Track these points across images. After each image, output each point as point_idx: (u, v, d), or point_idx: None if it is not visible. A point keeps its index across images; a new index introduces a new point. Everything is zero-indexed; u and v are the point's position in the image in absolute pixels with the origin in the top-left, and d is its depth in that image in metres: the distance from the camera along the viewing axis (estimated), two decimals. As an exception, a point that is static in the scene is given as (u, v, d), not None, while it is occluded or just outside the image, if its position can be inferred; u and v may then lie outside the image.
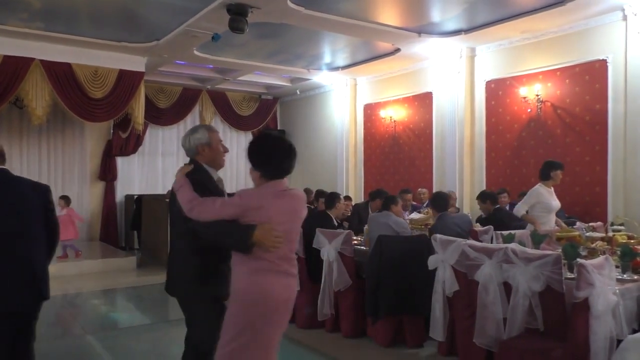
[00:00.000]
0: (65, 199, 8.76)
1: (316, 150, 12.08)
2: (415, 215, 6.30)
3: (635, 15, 6.46)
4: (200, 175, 2.76)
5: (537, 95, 7.60)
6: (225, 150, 2.97)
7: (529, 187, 7.35)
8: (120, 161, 11.43)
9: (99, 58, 8.75)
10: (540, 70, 7.62)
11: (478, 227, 5.77)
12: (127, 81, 8.99)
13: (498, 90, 8.24)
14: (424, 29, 7.77)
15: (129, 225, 10.93)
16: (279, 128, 13.30)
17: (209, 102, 12.28)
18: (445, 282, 4.04)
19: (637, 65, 6.50)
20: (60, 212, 8.45)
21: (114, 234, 11.15)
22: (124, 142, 11.09)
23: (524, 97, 7.77)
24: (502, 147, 8.21)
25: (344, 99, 11.09)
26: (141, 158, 11.80)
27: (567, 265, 3.50)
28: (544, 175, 5.56)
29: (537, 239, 4.26)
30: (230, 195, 2.79)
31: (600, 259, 3.27)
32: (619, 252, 3.71)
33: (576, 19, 7.01)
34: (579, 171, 7.10)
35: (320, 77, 10.82)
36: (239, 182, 12.68)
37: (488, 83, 8.37)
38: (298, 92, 12.42)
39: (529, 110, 7.76)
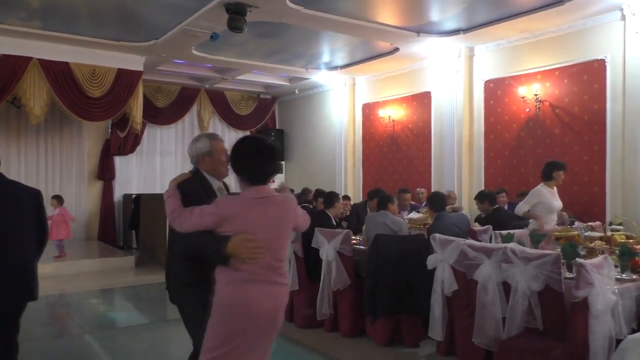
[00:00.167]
0: (58, 199, 8.71)
1: (315, 150, 12.08)
2: (414, 215, 6.30)
3: (634, 15, 6.46)
4: (194, 185, 2.70)
5: (536, 95, 7.60)
6: (227, 160, 2.85)
7: (527, 187, 7.38)
8: (118, 160, 11.41)
9: (97, 57, 8.73)
10: (539, 70, 7.63)
11: (477, 227, 5.78)
12: (125, 80, 8.98)
13: (497, 90, 8.24)
14: (422, 29, 7.77)
15: (127, 224, 10.91)
16: (277, 127, 13.30)
17: (207, 102, 12.27)
18: (444, 282, 4.05)
19: (636, 65, 6.51)
20: (53, 211, 8.43)
21: (112, 233, 11.14)
22: (122, 142, 11.06)
23: (523, 97, 7.78)
24: (500, 146, 8.22)
25: (343, 99, 11.08)
26: (139, 157, 11.78)
27: (566, 264, 3.50)
28: (546, 176, 5.56)
29: (536, 239, 4.26)
30: None
31: (599, 258, 3.27)
32: (617, 252, 3.71)
33: (575, 19, 7.01)
34: (578, 171, 7.11)
35: (318, 77, 10.81)
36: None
37: (487, 83, 8.38)
38: (297, 92, 12.42)
39: (527, 109, 7.77)
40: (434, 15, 7.21)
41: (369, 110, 10.73)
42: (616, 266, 3.49)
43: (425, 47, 8.47)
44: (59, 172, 10.88)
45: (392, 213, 5.20)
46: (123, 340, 5.26)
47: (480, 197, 6.68)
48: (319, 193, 7.38)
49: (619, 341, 2.78)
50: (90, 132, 11.07)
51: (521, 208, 5.52)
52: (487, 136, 8.41)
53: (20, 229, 3.15)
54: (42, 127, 10.22)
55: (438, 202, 5.27)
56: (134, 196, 10.80)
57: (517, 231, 4.83)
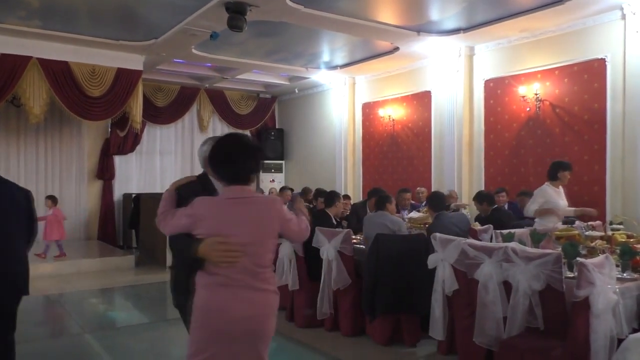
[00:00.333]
0: (53, 199, 8.66)
1: (315, 149, 12.08)
2: (414, 214, 6.29)
3: (634, 14, 6.46)
4: (194, 188, 2.62)
5: (536, 94, 7.60)
6: None
7: (527, 186, 7.40)
8: (118, 160, 11.40)
9: (97, 56, 8.72)
10: (539, 69, 7.62)
11: (477, 226, 5.78)
12: (124, 80, 8.97)
13: (497, 89, 8.24)
14: (422, 28, 7.77)
15: (127, 224, 10.91)
16: (277, 127, 13.30)
17: (207, 101, 12.26)
18: (444, 281, 4.04)
19: (636, 64, 6.50)
20: (46, 212, 8.40)
21: (112, 232, 11.13)
22: (121, 141, 11.05)
23: (523, 96, 7.77)
24: (500, 146, 8.21)
25: (343, 98, 11.08)
26: (139, 157, 11.77)
27: (567, 264, 3.50)
28: (552, 176, 5.57)
29: (537, 238, 4.26)
30: None
31: (600, 257, 3.27)
32: (618, 251, 3.71)
33: (575, 18, 7.01)
34: (578, 170, 7.08)
35: (318, 76, 10.81)
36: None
37: (487, 82, 8.37)
38: (296, 91, 12.41)
39: (527, 109, 7.76)
40: (434, 14, 7.21)
41: (368, 109, 10.73)
42: (617, 265, 3.49)
43: (425, 47, 8.46)
44: (58, 172, 10.87)
45: (391, 213, 5.19)
46: (123, 340, 5.26)
47: (479, 198, 6.65)
48: (319, 192, 7.38)
49: (620, 341, 2.78)
50: (90, 132, 11.06)
51: (530, 208, 5.50)
52: (487, 135, 8.41)
53: (15, 226, 3.27)
54: (41, 127, 10.22)
55: (438, 201, 5.27)
56: (133, 195, 10.80)
57: (517, 230, 4.82)
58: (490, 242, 4.94)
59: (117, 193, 11.43)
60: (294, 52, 9.17)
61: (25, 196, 3.38)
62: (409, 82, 9.74)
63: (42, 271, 8.00)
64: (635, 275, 3.47)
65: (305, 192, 9.22)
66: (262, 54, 9.25)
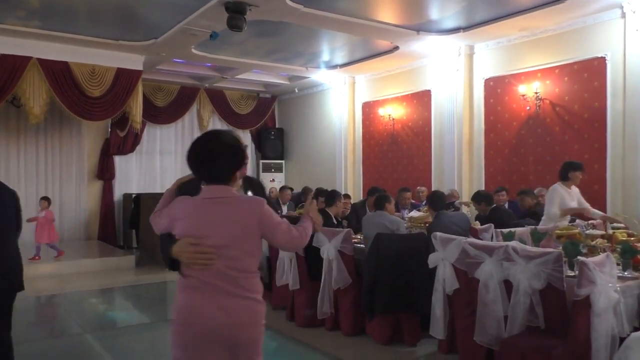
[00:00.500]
0: (48, 200, 8.63)
1: (315, 149, 12.08)
2: (414, 214, 6.28)
3: (634, 12, 6.46)
4: (195, 185, 2.53)
5: (536, 93, 7.60)
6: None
7: (527, 185, 7.40)
8: (118, 160, 11.40)
9: (97, 56, 8.72)
10: (539, 68, 7.62)
11: (477, 225, 5.77)
12: (124, 80, 8.97)
13: (497, 88, 8.24)
14: (422, 27, 7.76)
15: (127, 224, 10.91)
16: (277, 126, 13.30)
17: (206, 101, 12.26)
18: (445, 280, 4.03)
19: (636, 63, 6.50)
20: (39, 213, 8.38)
21: (112, 233, 11.13)
22: (121, 141, 11.06)
23: (523, 95, 7.77)
24: (500, 145, 8.21)
25: (343, 97, 11.07)
26: (139, 157, 11.77)
27: (568, 262, 3.49)
28: (563, 176, 5.57)
29: (537, 237, 4.26)
30: None
31: (601, 256, 3.26)
32: (619, 250, 3.70)
33: (575, 17, 7.01)
34: (578, 169, 7.10)
35: (318, 75, 10.81)
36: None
37: (487, 81, 8.37)
38: (296, 90, 12.41)
39: (527, 108, 7.76)
40: (434, 13, 7.20)
41: (368, 108, 10.72)
42: (618, 264, 3.48)
43: (425, 46, 8.46)
44: (58, 172, 10.87)
45: (389, 213, 5.18)
46: (123, 340, 5.25)
47: (477, 198, 6.62)
48: (319, 192, 7.37)
49: (621, 339, 2.78)
50: (90, 132, 11.06)
51: (551, 211, 5.44)
52: (487, 134, 8.41)
53: (6, 225, 3.39)
54: (41, 127, 10.22)
55: (438, 200, 5.27)
56: (133, 195, 10.79)
57: (518, 229, 4.82)
58: (491, 241, 4.93)
59: (117, 193, 11.43)
60: (294, 51, 9.17)
61: (11, 195, 3.49)
62: (408, 82, 9.73)
63: (42, 271, 8.01)
64: (636, 274, 3.47)
65: (305, 191, 9.22)
66: (262, 53, 9.25)
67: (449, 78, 8.73)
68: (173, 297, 2.83)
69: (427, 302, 4.26)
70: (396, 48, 8.73)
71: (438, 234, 4.16)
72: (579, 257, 3.42)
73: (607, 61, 6.85)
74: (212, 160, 2.18)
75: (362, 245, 5.22)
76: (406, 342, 4.63)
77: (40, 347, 4.92)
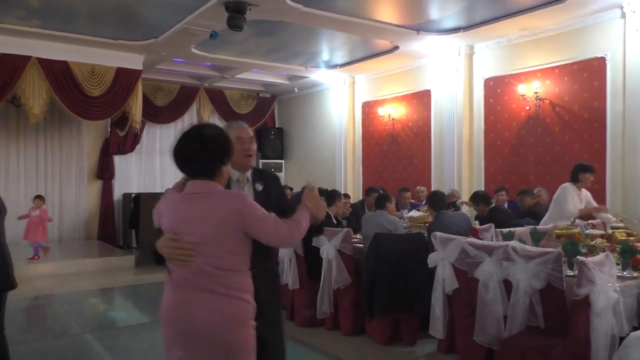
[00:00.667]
0: (42, 199, 8.59)
1: (314, 149, 12.07)
2: (414, 213, 6.29)
3: (634, 12, 6.46)
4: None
5: (536, 93, 7.60)
6: (246, 149, 2.60)
7: (527, 185, 7.40)
8: (117, 159, 11.40)
9: (97, 56, 8.72)
10: (539, 68, 7.62)
11: (477, 225, 5.77)
12: (124, 79, 8.96)
13: (496, 88, 8.24)
14: (422, 27, 7.76)
15: (126, 223, 10.89)
16: (277, 126, 13.30)
17: (206, 100, 12.25)
18: (445, 280, 4.03)
19: (636, 63, 6.50)
20: (32, 211, 8.36)
21: (111, 232, 11.13)
22: (121, 141, 11.05)
23: (523, 95, 7.77)
24: (500, 145, 8.21)
25: (342, 97, 11.07)
26: (139, 156, 11.77)
27: (567, 262, 3.49)
28: (573, 178, 5.56)
29: (537, 237, 4.26)
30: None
31: (600, 256, 3.27)
32: (618, 249, 3.70)
33: (575, 17, 7.01)
34: (578, 169, 7.10)
35: (318, 75, 10.80)
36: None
37: (486, 81, 8.37)
38: (296, 90, 12.41)
39: (527, 108, 7.76)
40: (434, 13, 7.20)
41: (368, 108, 10.72)
42: (617, 264, 3.48)
43: (424, 45, 8.46)
44: (58, 172, 10.87)
45: (390, 212, 5.18)
46: (123, 340, 5.26)
47: (475, 199, 6.59)
48: (319, 192, 7.36)
49: (621, 339, 2.78)
50: (90, 131, 11.06)
51: (567, 209, 5.42)
52: (487, 134, 8.41)
53: None
54: (41, 127, 10.22)
55: (438, 200, 5.27)
56: (133, 195, 10.78)
57: (518, 229, 4.82)
58: (491, 241, 4.93)
59: (117, 193, 11.43)
60: (294, 51, 9.17)
61: None
62: (408, 81, 9.73)
63: (42, 271, 8.01)
64: (636, 274, 3.47)
65: (304, 190, 9.21)
66: (262, 53, 9.24)
67: (449, 78, 8.73)
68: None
69: (425, 302, 4.26)
70: (396, 48, 8.73)
71: (438, 233, 4.17)
72: (578, 257, 3.42)
73: (607, 61, 6.85)
74: (194, 156, 2.13)
75: (361, 245, 5.23)
76: (405, 342, 4.64)
77: (40, 347, 4.92)
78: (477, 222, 6.11)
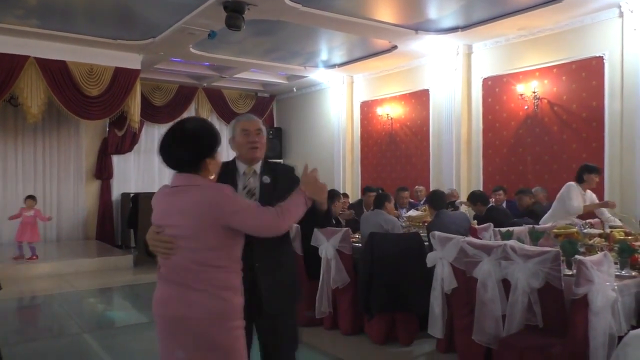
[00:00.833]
0: (34, 199, 8.55)
1: (313, 148, 12.07)
2: (412, 213, 6.29)
3: (632, 12, 6.47)
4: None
5: (534, 92, 7.61)
6: (251, 141, 2.57)
7: (525, 184, 7.41)
8: (116, 159, 11.38)
9: (95, 56, 8.71)
10: (537, 67, 7.63)
11: (475, 225, 5.78)
12: (122, 79, 8.95)
13: (495, 88, 8.25)
14: (420, 26, 7.77)
15: (125, 223, 10.89)
16: (275, 126, 13.29)
17: (205, 100, 12.24)
18: (443, 279, 4.04)
19: (634, 62, 6.52)
20: (27, 212, 8.34)
21: (110, 232, 11.11)
22: (119, 140, 11.03)
23: (521, 94, 7.78)
24: (498, 144, 8.22)
25: (341, 97, 11.07)
26: (137, 156, 11.75)
27: (566, 261, 3.50)
28: (578, 178, 5.56)
29: (535, 236, 4.26)
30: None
31: (599, 255, 3.27)
32: (617, 249, 3.71)
33: (573, 16, 7.02)
34: (575, 168, 7.08)
35: (316, 75, 10.80)
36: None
37: (485, 80, 8.38)
38: (294, 90, 12.41)
39: (525, 107, 7.77)
40: (432, 12, 7.21)
41: (367, 108, 10.72)
42: (615, 263, 3.49)
43: (423, 45, 8.46)
44: (56, 171, 10.85)
45: (389, 212, 5.18)
46: (122, 340, 5.25)
47: (472, 199, 6.57)
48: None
49: (619, 338, 2.78)
50: (88, 131, 11.05)
51: (573, 205, 5.39)
52: (485, 134, 8.42)
53: None
54: (39, 126, 10.20)
55: (438, 200, 5.27)
56: (132, 195, 10.76)
57: (516, 228, 4.82)
58: (490, 240, 4.94)
59: (116, 192, 11.41)
60: (292, 50, 9.16)
61: None
62: (407, 81, 9.74)
63: (40, 271, 8.00)
64: (634, 273, 3.47)
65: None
66: (260, 52, 9.24)
67: (447, 77, 8.73)
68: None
69: (422, 302, 4.27)
70: (394, 47, 8.73)
71: (437, 233, 4.17)
72: (576, 256, 3.43)
73: (605, 60, 6.86)
74: (177, 150, 2.11)
75: (360, 245, 5.23)
76: (401, 342, 4.64)
77: (39, 347, 4.91)
78: (475, 221, 6.11)
